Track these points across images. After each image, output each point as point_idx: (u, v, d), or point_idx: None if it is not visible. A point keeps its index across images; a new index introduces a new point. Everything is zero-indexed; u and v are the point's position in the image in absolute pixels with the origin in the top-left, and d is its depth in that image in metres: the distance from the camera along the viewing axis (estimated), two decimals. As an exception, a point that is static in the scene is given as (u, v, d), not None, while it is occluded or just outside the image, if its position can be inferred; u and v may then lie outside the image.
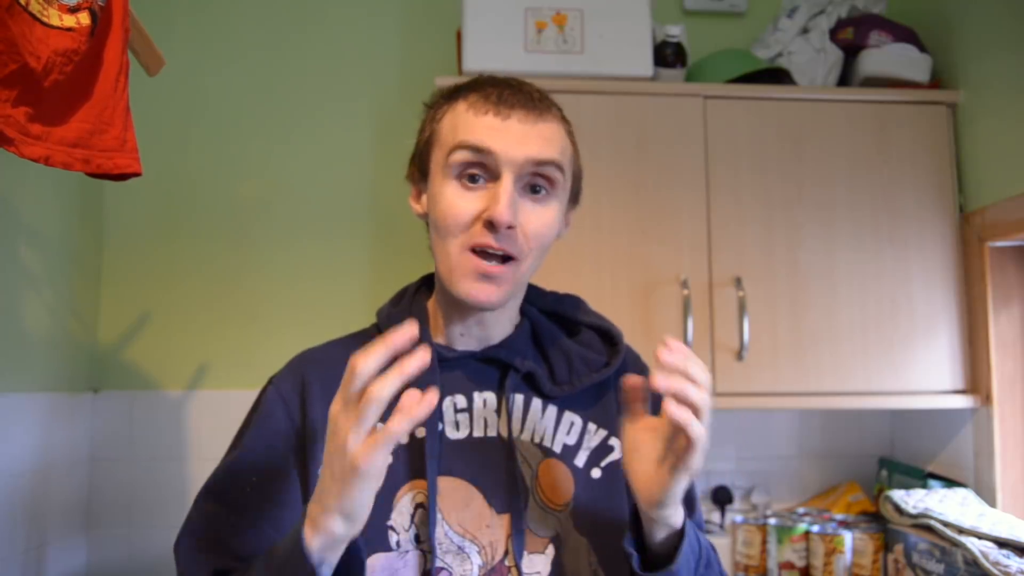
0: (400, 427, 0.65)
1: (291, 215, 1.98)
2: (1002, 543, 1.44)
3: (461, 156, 0.83)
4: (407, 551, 0.82)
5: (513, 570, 0.83)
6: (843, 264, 1.72)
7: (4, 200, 1.50)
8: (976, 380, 1.71)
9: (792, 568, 1.79)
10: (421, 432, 0.85)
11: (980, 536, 1.46)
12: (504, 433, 0.88)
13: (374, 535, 0.81)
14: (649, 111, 1.74)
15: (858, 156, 1.75)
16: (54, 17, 1.04)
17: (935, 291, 1.73)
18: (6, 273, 1.53)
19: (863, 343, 1.70)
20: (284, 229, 1.98)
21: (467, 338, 0.91)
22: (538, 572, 0.83)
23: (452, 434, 0.87)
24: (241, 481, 0.86)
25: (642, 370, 0.97)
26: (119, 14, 1.18)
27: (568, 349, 0.93)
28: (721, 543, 1.86)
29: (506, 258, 0.83)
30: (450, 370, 0.89)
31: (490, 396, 0.89)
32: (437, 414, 0.86)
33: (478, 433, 0.87)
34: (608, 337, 0.96)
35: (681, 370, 0.70)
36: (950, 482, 1.76)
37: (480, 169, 0.83)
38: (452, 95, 0.88)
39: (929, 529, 1.56)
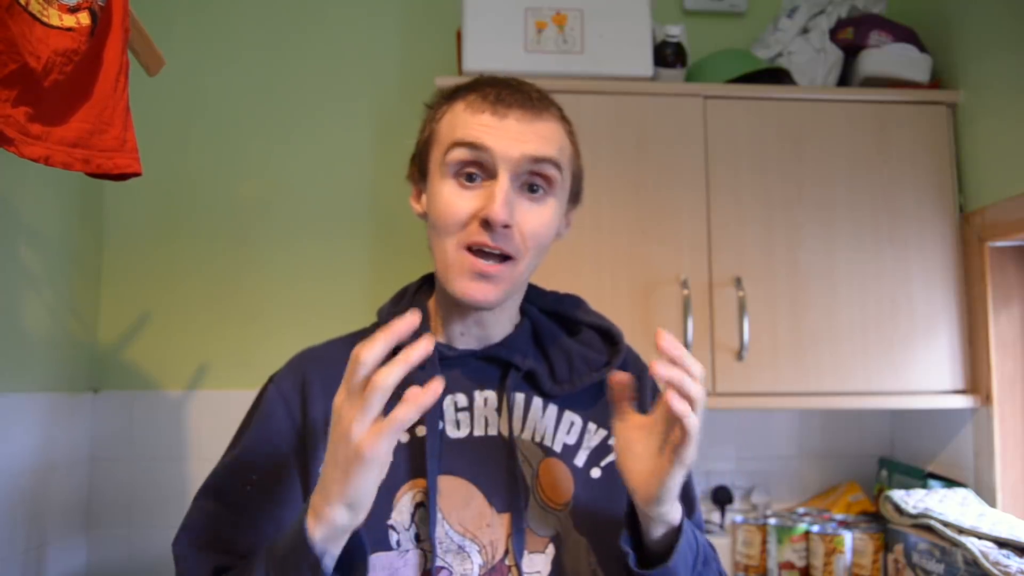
0: (407, 415, 0.65)
1: (291, 215, 1.99)
2: (1002, 543, 1.44)
3: (458, 154, 0.83)
4: (407, 550, 0.82)
5: (513, 569, 0.83)
6: (843, 264, 1.72)
7: (4, 200, 1.50)
8: (976, 380, 1.71)
9: (792, 568, 1.79)
10: (422, 431, 0.85)
11: (980, 536, 1.46)
12: (505, 432, 0.88)
13: (374, 534, 0.81)
14: (649, 111, 1.74)
15: (858, 156, 1.75)
16: (54, 17, 1.04)
17: (935, 291, 1.73)
18: (6, 273, 1.53)
19: (863, 343, 1.70)
20: (284, 229, 1.98)
21: (467, 337, 0.91)
22: (538, 571, 0.83)
23: (453, 433, 0.87)
24: (241, 479, 0.86)
25: (642, 370, 0.97)
26: (119, 14, 1.18)
27: (569, 348, 0.93)
28: (721, 543, 1.86)
29: (503, 257, 0.83)
30: (451, 369, 0.89)
31: (491, 395, 0.89)
32: (438, 412, 0.86)
33: (479, 432, 0.87)
34: (609, 336, 0.96)
35: (679, 361, 0.71)
36: (950, 482, 1.76)
37: (477, 168, 0.83)
38: (452, 95, 0.88)
39: (929, 529, 1.56)
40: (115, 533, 1.84)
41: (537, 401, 0.90)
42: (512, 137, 0.82)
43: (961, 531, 1.49)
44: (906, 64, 1.81)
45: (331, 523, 0.69)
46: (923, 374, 1.71)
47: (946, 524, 1.52)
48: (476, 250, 0.82)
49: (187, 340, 1.93)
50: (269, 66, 2.03)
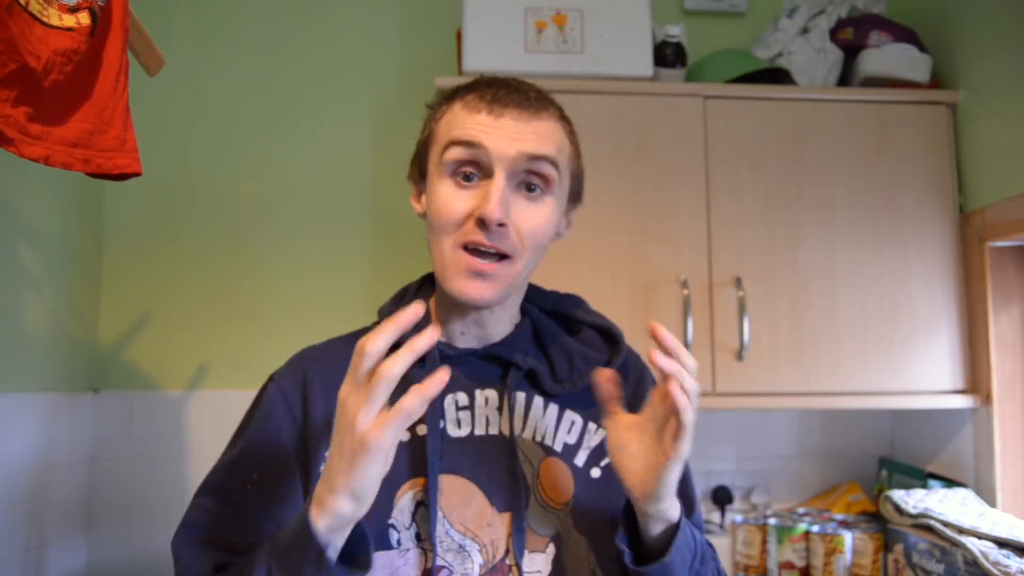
0: (413, 404, 0.66)
1: (291, 215, 1.99)
2: (1002, 543, 1.44)
3: (454, 153, 0.83)
4: (408, 549, 0.82)
5: (514, 569, 0.83)
6: (843, 264, 1.72)
7: (4, 200, 1.50)
8: (976, 380, 1.71)
9: (792, 568, 1.79)
10: (422, 429, 0.85)
11: (980, 536, 1.46)
12: (506, 431, 0.88)
13: (375, 533, 0.81)
14: (649, 111, 1.74)
15: (858, 156, 1.75)
16: (54, 17, 1.04)
17: (935, 291, 1.73)
18: (6, 273, 1.53)
19: (863, 343, 1.70)
20: (284, 229, 1.98)
21: (467, 336, 0.91)
22: (539, 571, 0.83)
23: (453, 432, 0.87)
24: (242, 478, 0.86)
25: (643, 370, 0.97)
26: (119, 14, 1.18)
27: (569, 347, 0.93)
28: (721, 543, 1.86)
29: (500, 256, 0.83)
30: (451, 367, 0.88)
31: (492, 394, 0.89)
32: (438, 411, 0.86)
33: (479, 431, 0.87)
34: (609, 336, 0.96)
35: (675, 353, 0.72)
36: (950, 482, 1.76)
37: (474, 167, 0.83)
38: (451, 96, 0.89)
39: (929, 529, 1.56)
40: (115, 533, 1.84)
41: (538, 400, 0.90)
42: (508, 136, 0.82)
43: (961, 531, 1.49)
44: (906, 64, 1.81)
45: (335, 513, 0.69)
46: (923, 374, 1.71)
47: (946, 524, 1.52)
48: (473, 249, 0.82)
49: (187, 340, 1.93)
50: (269, 66, 2.02)
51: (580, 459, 0.89)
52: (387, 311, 0.94)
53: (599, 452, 0.90)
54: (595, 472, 0.89)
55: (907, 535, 1.62)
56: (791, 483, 2.01)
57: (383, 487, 0.72)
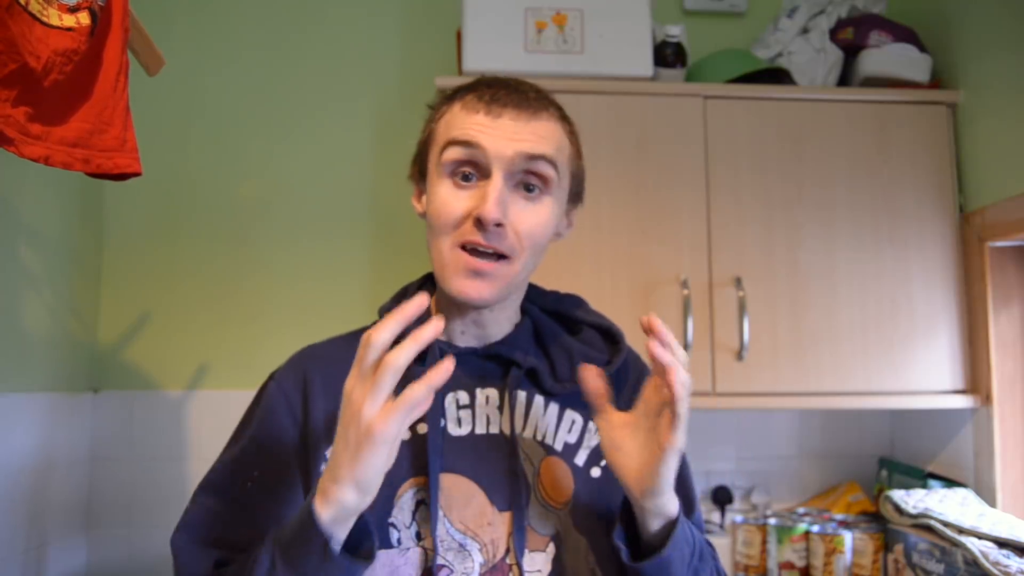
0: (419, 393, 0.66)
1: (291, 215, 1.99)
2: (1002, 543, 1.44)
3: (452, 153, 0.83)
4: (408, 548, 0.82)
5: (514, 568, 0.83)
6: (843, 264, 1.72)
7: (4, 200, 1.50)
8: (976, 380, 1.71)
9: (792, 568, 1.79)
10: (423, 428, 0.85)
11: (980, 536, 1.46)
12: (506, 430, 0.88)
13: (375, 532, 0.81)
14: (649, 111, 1.74)
15: (858, 156, 1.76)
16: (54, 17, 1.04)
17: (935, 291, 1.73)
18: (6, 273, 1.53)
19: (863, 343, 1.70)
20: (284, 229, 1.98)
21: (467, 336, 0.91)
22: (539, 570, 0.83)
23: (454, 430, 0.87)
24: (242, 476, 0.86)
25: (643, 369, 0.97)
26: (119, 14, 1.18)
27: (570, 347, 0.93)
28: (721, 543, 1.86)
29: (498, 256, 0.83)
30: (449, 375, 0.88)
31: (492, 393, 0.89)
32: (439, 410, 0.86)
33: (480, 430, 0.87)
34: (610, 336, 0.96)
35: (670, 345, 0.73)
36: (950, 482, 1.76)
37: (472, 167, 0.83)
38: (451, 96, 0.89)
39: (929, 529, 1.56)
40: (115, 533, 1.84)
41: (539, 399, 0.90)
42: (506, 136, 0.82)
43: (961, 531, 1.49)
44: (906, 64, 1.81)
45: (340, 504, 0.69)
46: (923, 374, 1.71)
47: (946, 524, 1.52)
48: (471, 249, 0.82)
49: (187, 340, 1.93)
50: (269, 66, 2.03)
51: (580, 458, 0.89)
52: (388, 310, 0.94)
53: (599, 452, 0.89)
54: (595, 472, 0.89)
55: (907, 535, 1.62)
56: (791, 483, 2.01)
57: (384, 486, 0.72)
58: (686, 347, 1.65)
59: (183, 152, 1.98)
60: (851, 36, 1.87)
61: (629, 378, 0.94)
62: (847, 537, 1.74)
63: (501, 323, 0.92)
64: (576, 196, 0.93)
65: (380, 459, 0.68)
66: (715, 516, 1.94)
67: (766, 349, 1.68)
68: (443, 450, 0.85)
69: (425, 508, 0.83)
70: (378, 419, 0.67)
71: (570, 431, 0.90)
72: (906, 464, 1.89)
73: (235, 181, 1.98)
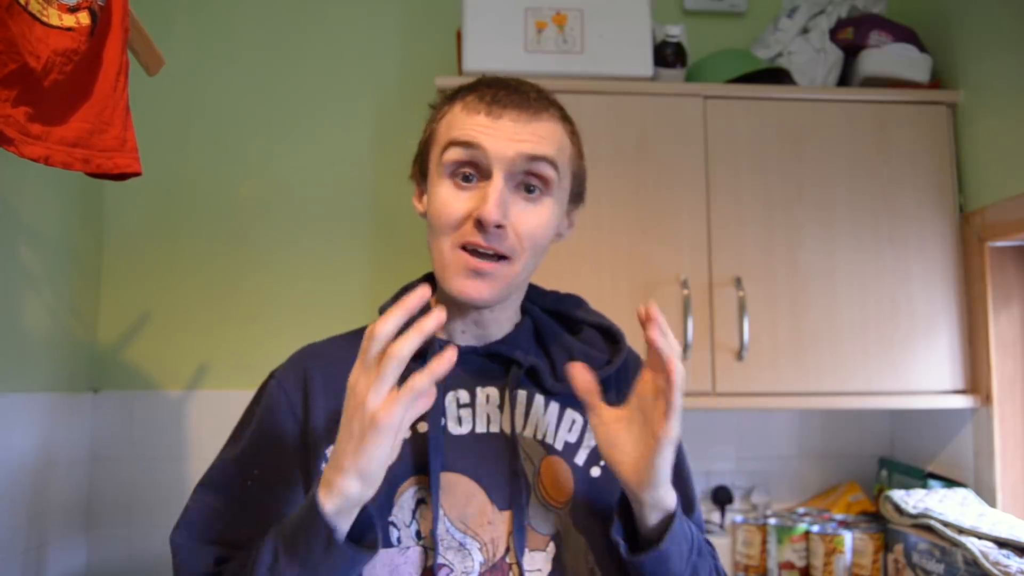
0: (422, 381, 0.68)
1: (291, 215, 1.99)
2: (1002, 543, 1.44)
3: (453, 154, 0.83)
4: (408, 547, 0.82)
5: (514, 567, 0.83)
6: (843, 264, 1.72)
7: (4, 200, 1.50)
8: (976, 380, 1.71)
9: (792, 568, 1.79)
10: (423, 427, 0.85)
11: (980, 536, 1.46)
12: (507, 429, 0.88)
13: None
14: (649, 111, 1.74)
15: (858, 156, 1.76)
16: (54, 17, 1.04)
17: (935, 291, 1.73)
18: (6, 273, 1.53)
19: (863, 343, 1.70)
20: (284, 229, 1.98)
21: (467, 335, 0.91)
22: (539, 570, 0.83)
23: (454, 429, 0.87)
24: (243, 474, 0.86)
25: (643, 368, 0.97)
26: (119, 14, 1.18)
27: (570, 346, 0.93)
28: (721, 543, 1.86)
29: (499, 256, 0.83)
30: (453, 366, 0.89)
31: (493, 391, 0.89)
32: (440, 409, 0.86)
33: (480, 429, 0.87)
34: (610, 335, 0.96)
35: (666, 334, 0.74)
36: (950, 482, 1.76)
37: (473, 168, 0.83)
38: (452, 96, 0.89)
39: (929, 529, 1.56)
40: (115, 533, 1.84)
41: (539, 398, 0.90)
42: (507, 137, 0.82)
43: (961, 531, 1.49)
44: (906, 64, 1.81)
45: (344, 494, 0.70)
46: (923, 374, 1.71)
47: (946, 524, 1.52)
48: (471, 249, 0.82)
49: (187, 340, 1.93)
50: (269, 66, 2.03)
51: (580, 458, 0.89)
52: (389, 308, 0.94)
53: (599, 451, 0.89)
54: (595, 471, 0.89)
55: (907, 535, 1.62)
56: (791, 483, 2.01)
57: (384, 484, 0.72)
58: (686, 347, 1.65)
59: (183, 152, 1.98)
60: (851, 36, 1.87)
61: (630, 378, 0.94)
62: (847, 537, 1.74)
63: (501, 323, 0.92)
64: (577, 197, 0.93)
65: (384, 449, 0.69)
66: (715, 516, 1.94)
67: (766, 349, 1.68)
68: (443, 449, 0.85)
69: (425, 507, 0.83)
70: (382, 408, 0.68)
71: (570, 430, 0.90)
72: (906, 464, 1.89)
73: (235, 181, 1.98)
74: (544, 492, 0.86)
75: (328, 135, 2.02)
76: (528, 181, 0.84)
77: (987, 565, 1.38)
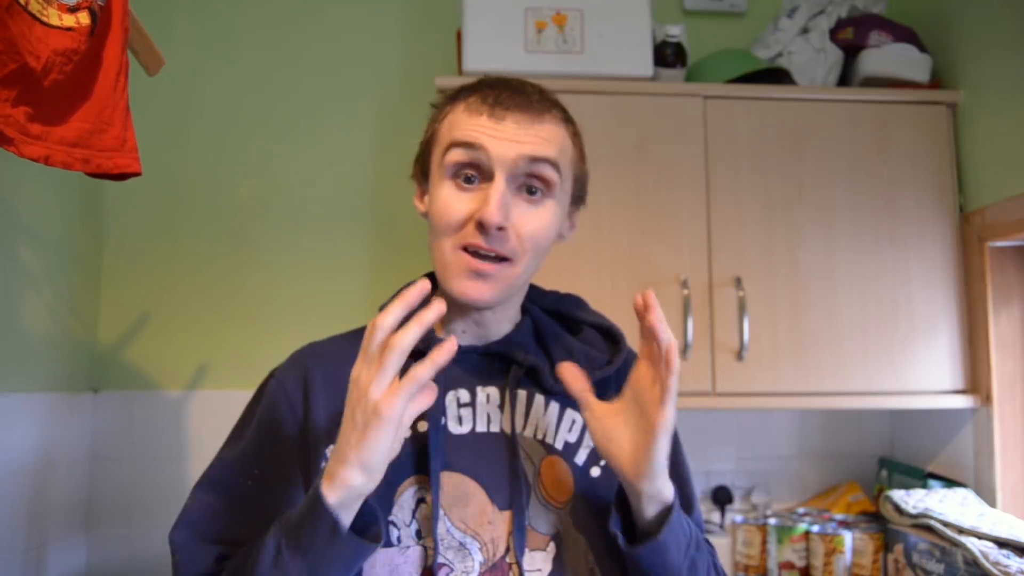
0: (424, 371, 0.69)
1: (291, 215, 1.99)
2: (1002, 543, 1.44)
3: (455, 155, 0.83)
4: (408, 547, 0.82)
5: (514, 567, 0.83)
6: (843, 264, 1.72)
7: (4, 200, 1.50)
8: (976, 380, 1.71)
9: (792, 568, 1.79)
10: (424, 426, 0.85)
11: (980, 536, 1.46)
12: (507, 429, 0.88)
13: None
14: (649, 111, 1.74)
15: (858, 156, 1.76)
16: (54, 17, 1.04)
17: (935, 291, 1.73)
18: (6, 273, 1.53)
19: (863, 343, 1.70)
20: (284, 229, 1.98)
21: (467, 335, 0.91)
22: (539, 569, 0.83)
23: (455, 429, 0.87)
24: (243, 474, 0.86)
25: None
26: (119, 14, 1.18)
27: (571, 346, 0.94)
28: (721, 543, 1.86)
29: (500, 258, 0.83)
30: (452, 365, 0.88)
31: (493, 391, 0.89)
32: (440, 408, 0.86)
33: (481, 428, 0.87)
34: (610, 336, 0.96)
35: (663, 322, 0.75)
36: (950, 482, 1.76)
37: (475, 170, 0.83)
38: (454, 96, 0.89)
39: (929, 529, 1.56)
40: (115, 533, 1.84)
41: (539, 398, 0.90)
42: (509, 138, 0.82)
43: (961, 531, 1.49)
44: (906, 64, 1.81)
45: (347, 485, 0.70)
46: (923, 374, 1.71)
47: (946, 524, 1.52)
48: (472, 251, 0.82)
49: (187, 340, 1.93)
50: (269, 66, 2.03)
51: (580, 458, 0.89)
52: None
53: (597, 448, 0.90)
54: (595, 471, 0.89)
55: (907, 535, 1.62)
56: (791, 483, 2.01)
57: (384, 483, 0.72)
58: (686, 347, 1.65)
59: (183, 152, 1.98)
60: (851, 36, 1.87)
61: (631, 377, 0.94)
62: (847, 537, 1.74)
63: (502, 323, 0.92)
64: (579, 198, 0.93)
65: (386, 440, 0.70)
66: (715, 516, 1.94)
67: (766, 349, 1.68)
68: (444, 448, 0.85)
69: (425, 506, 0.83)
70: (384, 398, 0.68)
71: (570, 430, 0.90)
72: (906, 464, 1.89)
73: (235, 181, 1.98)
74: (544, 492, 0.86)
75: (328, 135, 2.02)
76: (530, 183, 0.84)
77: (987, 565, 1.38)
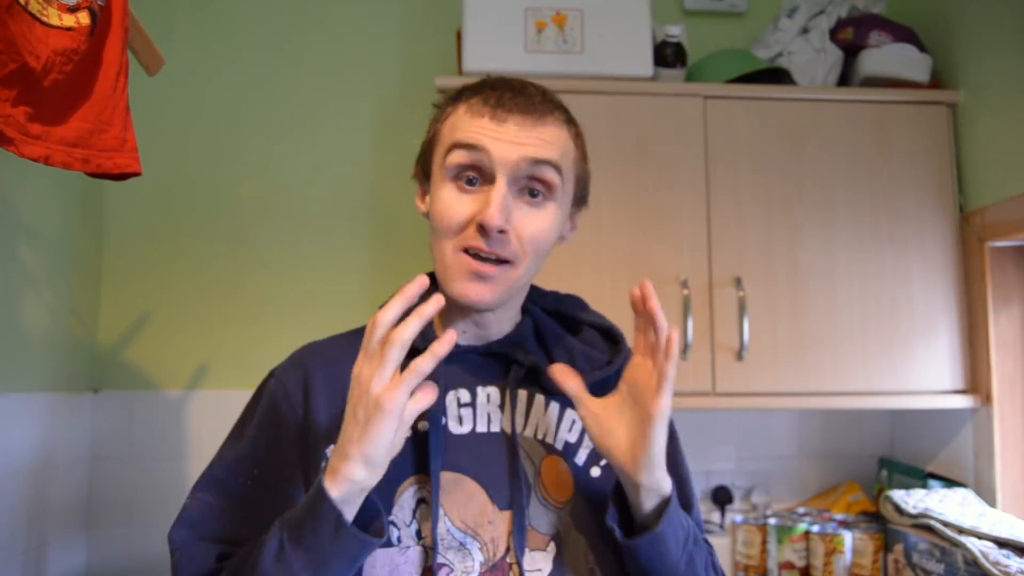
0: (425, 363, 0.70)
1: (291, 215, 1.99)
2: (1002, 543, 1.44)
3: (456, 157, 0.83)
4: (408, 547, 0.82)
5: (514, 567, 0.83)
6: (843, 264, 1.72)
7: (4, 200, 1.50)
8: (976, 380, 1.71)
9: (792, 568, 1.79)
10: (424, 426, 0.85)
11: (980, 536, 1.46)
12: (507, 428, 0.88)
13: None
14: (649, 111, 1.74)
15: (858, 156, 1.75)
16: (53, 17, 1.04)
17: (935, 291, 1.73)
18: (6, 273, 1.53)
19: (863, 343, 1.70)
20: (284, 229, 1.98)
21: (468, 335, 0.91)
22: (539, 569, 0.83)
23: (455, 429, 0.87)
24: (243, 473, 0.86)
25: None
26: (119, 14, 1.18)
27: (571, 346, 0.94)
28: (721, 543, 1.86)
29: (501, 260, 0.83)
30: (453, 365, 0.89)
31: (493, 391, 0.89)
32: (440, 408, 0.86)
33: (481, 428, 0.87)
34: (610, 336, 0.96)
35: (660, 313, 0.76)
36: (950, 482, 1.76)
37: (476, 172, 0.83)
38: (456, 97, 0.89)
39: (929, 529, 1.56)
40: (115, 533, 1.84)
41: (539, 398, 0.90)
42: (511, 141, 0.82)
43: (961, 531, 1.49)
44: (906, 64, 1.81)
45: (349, 479, 0.71)
46: (923, 374, 1.71)
47: (946, 524, 1.52)
48: (473, 253, 0.82)
49: (187, 340, 1.93)
50: (269, 66, 2.03)
51: (580, 458, 0.89)
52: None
53: (599, 452, 0.90)
54: (595, 471, 0.89)
55: (907, 535, 1.62)
56: (791, 483, 2.01)
57: (384, 483, 0.72)
58: (686, 347, 1.65)
59: (183, 152, 1.98)
60: (851, 36, 1.87)
61: (624, 373, 0.94)
62: (847, 537, 1.74)
63: (502, 323, 0.92)
64: (581, 200, 0.93)
65: (388, 433, 0.70)
66: (715, 516, 1.94)
67: (766, 349, 1.68)
68: (444, 448, 0.85)
69: (425, 506, 0.83)
70: (386, 392, 0.69)
71: (571, 430, 0.90)
72: (906, 464, 1.89)
73: (235, 181, 1.98)
74: (544, 492, 0.86)
75: (328, 135, 2.02)
76: (531, 186, 0.84)
77: (987, 565, 1.38)
